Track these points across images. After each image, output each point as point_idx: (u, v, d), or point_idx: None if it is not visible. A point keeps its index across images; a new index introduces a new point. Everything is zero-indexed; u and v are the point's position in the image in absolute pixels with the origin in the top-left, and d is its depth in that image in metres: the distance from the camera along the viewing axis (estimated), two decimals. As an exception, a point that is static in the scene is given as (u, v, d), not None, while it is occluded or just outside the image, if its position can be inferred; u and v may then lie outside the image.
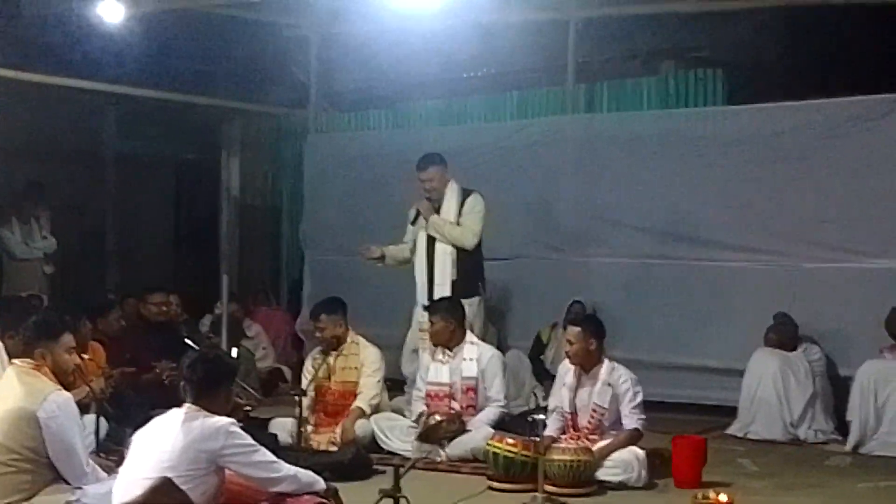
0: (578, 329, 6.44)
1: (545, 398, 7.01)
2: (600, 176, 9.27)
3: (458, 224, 7.75)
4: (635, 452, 6.11)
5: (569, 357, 6.47)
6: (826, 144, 8.32)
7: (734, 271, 8.67)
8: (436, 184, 7.80)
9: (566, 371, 6.57)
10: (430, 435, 6.74)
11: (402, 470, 4.47)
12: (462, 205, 7.79)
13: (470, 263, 7.84)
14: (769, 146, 8.54)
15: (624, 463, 6.05)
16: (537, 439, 5.86)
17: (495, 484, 6.02)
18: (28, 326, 5.08)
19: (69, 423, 4.73)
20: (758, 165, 8.57)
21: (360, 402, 7.04)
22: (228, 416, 4.33)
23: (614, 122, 9.46)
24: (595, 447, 6.14)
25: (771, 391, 7.68)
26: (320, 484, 4.39)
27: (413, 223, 7.98)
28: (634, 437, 6.28)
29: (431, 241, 7.82)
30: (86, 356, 5.97)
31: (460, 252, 7.75)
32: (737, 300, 8.65)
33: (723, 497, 5.06)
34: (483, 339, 7.42)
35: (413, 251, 7.98)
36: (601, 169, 9.27)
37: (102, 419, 6.18)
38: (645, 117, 9.37)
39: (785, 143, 8.49)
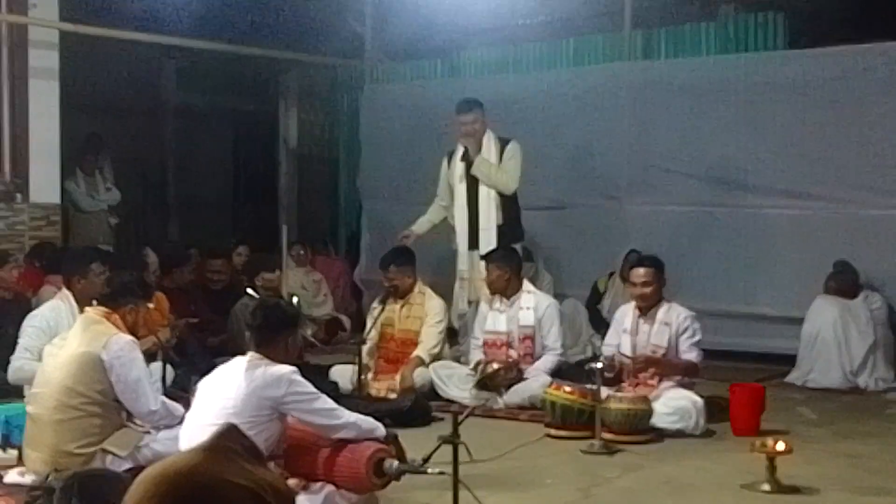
0: (651, 269, 6.43)
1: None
2: (657, 123, 9.18)
3: (500, 168, 7.80)
4: (693, 399, 6.11)
5: (642, 299, 6.45)
6: (888, 89, 8.15)
7: (793, 219, 8.57)
8: (477, 126, 7.82)
9: (623, 315, 6.59)
10: (488, 383, 6.80)
11: (460, 417, 4.51)
12: (501, 151, 7.81)
13: (513, 209, 7.90)
14: (830, 91, 8.38)
15: (681, 410, 6.06)
16: (594, 387, 5.89)
17: (552, 431, 6.07)
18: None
19: (132, 362, 4.85)
20: (818, 111, 8.42)
21: (420, 352, 7.13)
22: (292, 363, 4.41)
23: (672, 68, 9.34)
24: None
25: (831, 339, 7.60)
26: (381, 430, 4.46)
27: (449, 164, 7.96)
28: (691, 368, 6.31)
29: (473, 186, 7.82)
30: (150, 305, 6.09)
31: (503, 197, 7.78)
32: (796, 248, 8.55)
33: (780, 445, 5.06)
34: (533, 282, 7.46)
35: (446, 200, 7.99)
36: (658, 116, 9.17)
37: (168, 366, 6.32)
38: (703, 63, 9.23)
39: (846, 87, 8.33)
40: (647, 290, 6.40)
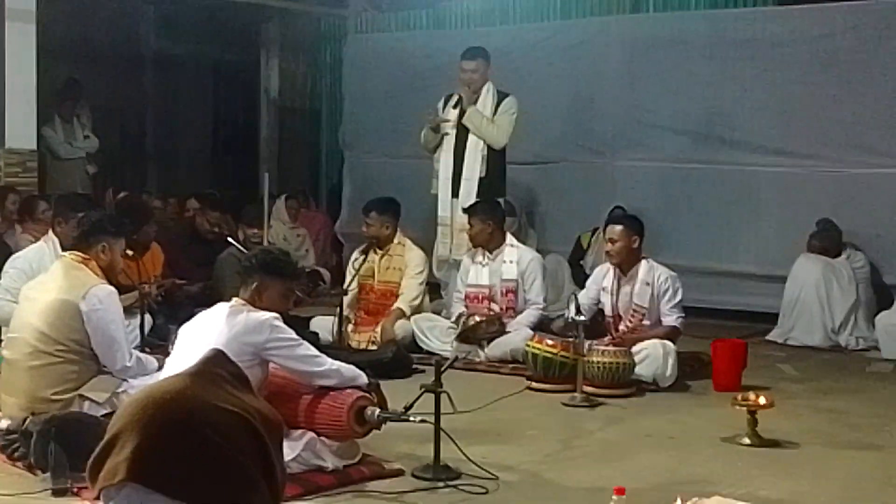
0: (621, 227, 6.41)
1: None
2: (644, 78, 9.12)
3: (492, 122, 7.74)
4: (664, 344, 6.10)
5: (610, 256, 6.45)
6: (878, 46, 8.13)
7: (778, 176, 8.56)
8: (477, 76, 7.77)
9: (603, 274, 6.57)
10: (470, 335, 6.78)
11: (443, 366, 4.48)
12: (497, 105, 7.75)
13: (498, 164, 7.86)
14: (819, 48, 8.35)
15: (651, 357, 6.06)
16: (576, 340, 5.87)
17: (534, 384, 6.06)
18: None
19: (111, 315, 4.77)
20: (806, 68, 8.40)
21: (401, 303, 7.09)
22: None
23: (661, 22, 9.27)
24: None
25: (813, 297, 7.62)
26: (363, 378, 4.41)
27: (444, 108, 7.89)
28: (672, 334, 6.29)
29: (462, 134, 7.77)
30: (129, 252, 6.00)
31: (490, 150, 7.74)
32: (780, 206, 8.56)
33: (762, 399, 5.06)
34: (516, 237, 7.43)
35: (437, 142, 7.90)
36: (646, 71, 9.11)
37: (148, 315, 6.25)
38: (693, 18, 9.18)
39: (835, 44, 8.30)
40: (614, 247, 6.36)
